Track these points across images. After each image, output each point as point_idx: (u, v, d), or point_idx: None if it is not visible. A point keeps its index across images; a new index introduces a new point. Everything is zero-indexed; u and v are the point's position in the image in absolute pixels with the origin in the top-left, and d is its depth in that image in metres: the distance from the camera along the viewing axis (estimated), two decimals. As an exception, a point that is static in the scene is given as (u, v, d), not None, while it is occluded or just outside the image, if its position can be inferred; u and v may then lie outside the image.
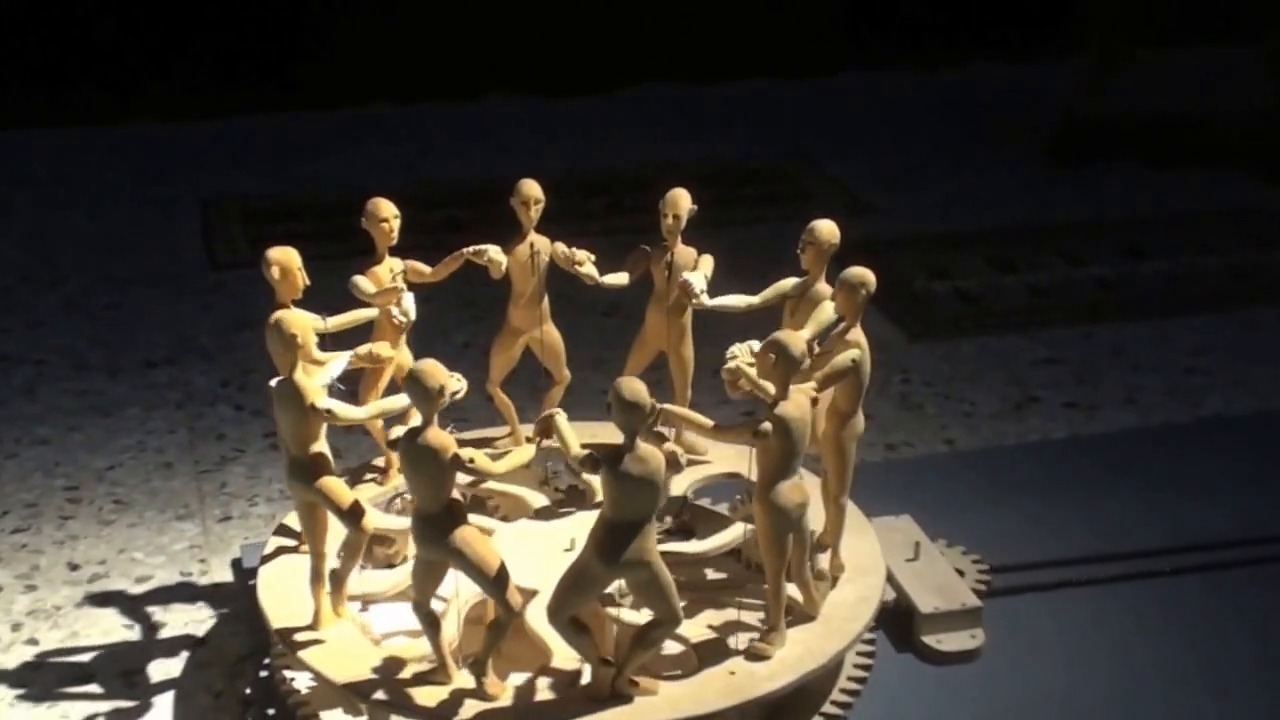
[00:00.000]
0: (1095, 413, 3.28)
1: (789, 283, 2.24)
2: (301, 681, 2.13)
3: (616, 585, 1.96)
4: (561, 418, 1.90)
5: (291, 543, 2.25)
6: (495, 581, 1.87)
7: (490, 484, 2.40)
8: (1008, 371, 3.48)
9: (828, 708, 2.13)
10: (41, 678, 2.36)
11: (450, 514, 1.85)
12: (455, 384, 1.84)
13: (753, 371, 1.93)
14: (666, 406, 1.96)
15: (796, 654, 2.01)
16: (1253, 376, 3.44)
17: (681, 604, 2.13)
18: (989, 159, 4.97)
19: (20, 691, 2.32)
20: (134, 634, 2.48)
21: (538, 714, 1.91)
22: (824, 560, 2.20)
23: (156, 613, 2.54)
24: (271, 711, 2.25)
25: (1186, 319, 3.76)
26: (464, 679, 1.94)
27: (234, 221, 4.44)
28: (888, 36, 5.97)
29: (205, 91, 5.42)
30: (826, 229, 2.20)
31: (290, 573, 2.16)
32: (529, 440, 2.34)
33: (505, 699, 1.91)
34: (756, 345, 1.94)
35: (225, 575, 2.65)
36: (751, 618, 2.11)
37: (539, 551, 2.20)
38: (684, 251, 2.33)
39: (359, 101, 5.39)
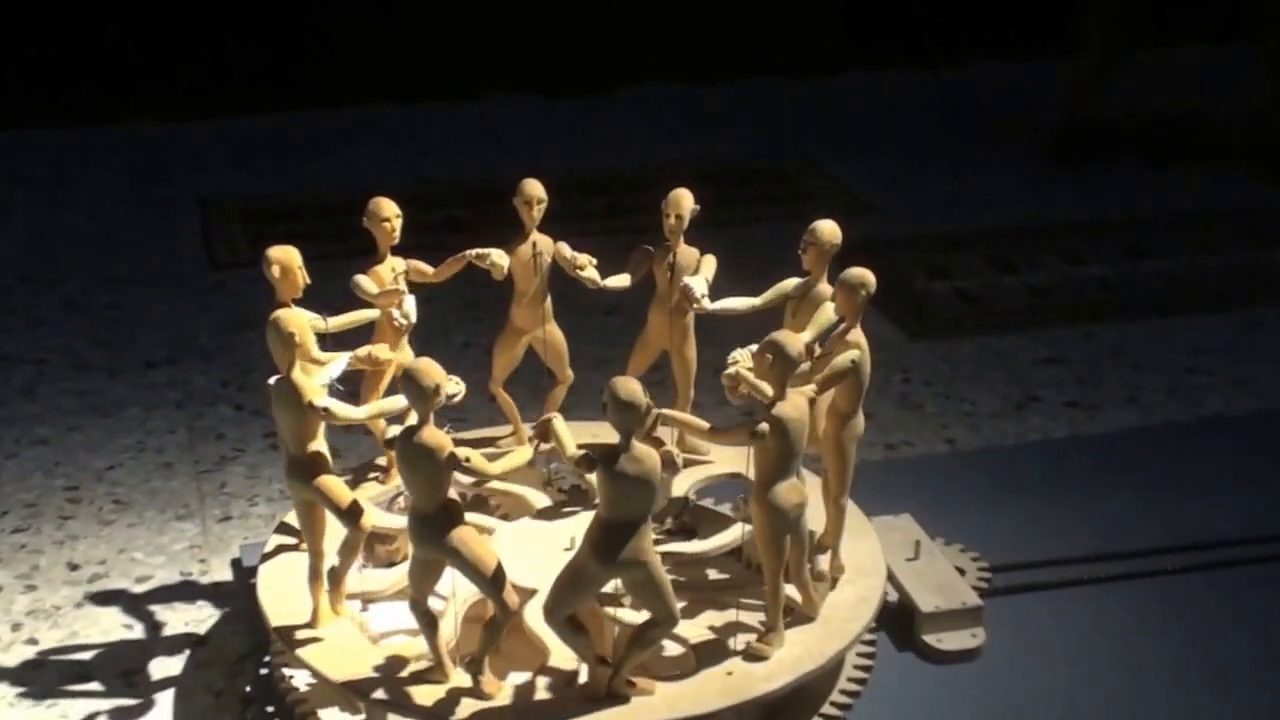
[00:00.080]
0: (1096, 412, 3.28)
1: (790, 283, 2.23)
2: (300, 680, 2.13)
3: (615, 585, 1.96)
4: (559, 421, 1.90)
5: (292, 541, 2.25)
6: (492, 581, 1.87)
7: (493, 484, 2.40)
8: (1008, 371, 3.48)
9: (828, 708, 2.13)
10: (41, 677, 2.36)
11: (447, 513, 1.85)
12: (453, 386, 1.85)
13: (752, 375, 1.93)
14: (663, 411, 1.97)
15: (795, 655, 2.01)
16: (1253, 376, 3.44)
17: (682, 604, 2.13)
18: (989, 159, 4.97)
19: (20, 691, 2.32)
20: (134, 634, 2.48)
21: (535, 713, 1.90)
22: (824, 561, 2.20)
23: (156, 612, 2.54)
24: (271, 709, 2.25)
25: (1187, 318, 3.76)
26: (461, 678, 1.94)
27: (234, 221, 4.44)
28: (888, 36, 5.97)
29: (205, 91, 5.42)
30: (828, 229, 2.19)
31: (290, 571, 2.16)
32: (530, 441, 2.35)
33: (502, 698, 1.91)
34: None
35: (225, 575, 2.65)
36: (751, 618, 2.11)
37: (539, 551, 2.20)
38: (686, 252, 2.32)
39: (359, 101, 5.39)
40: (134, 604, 2.57)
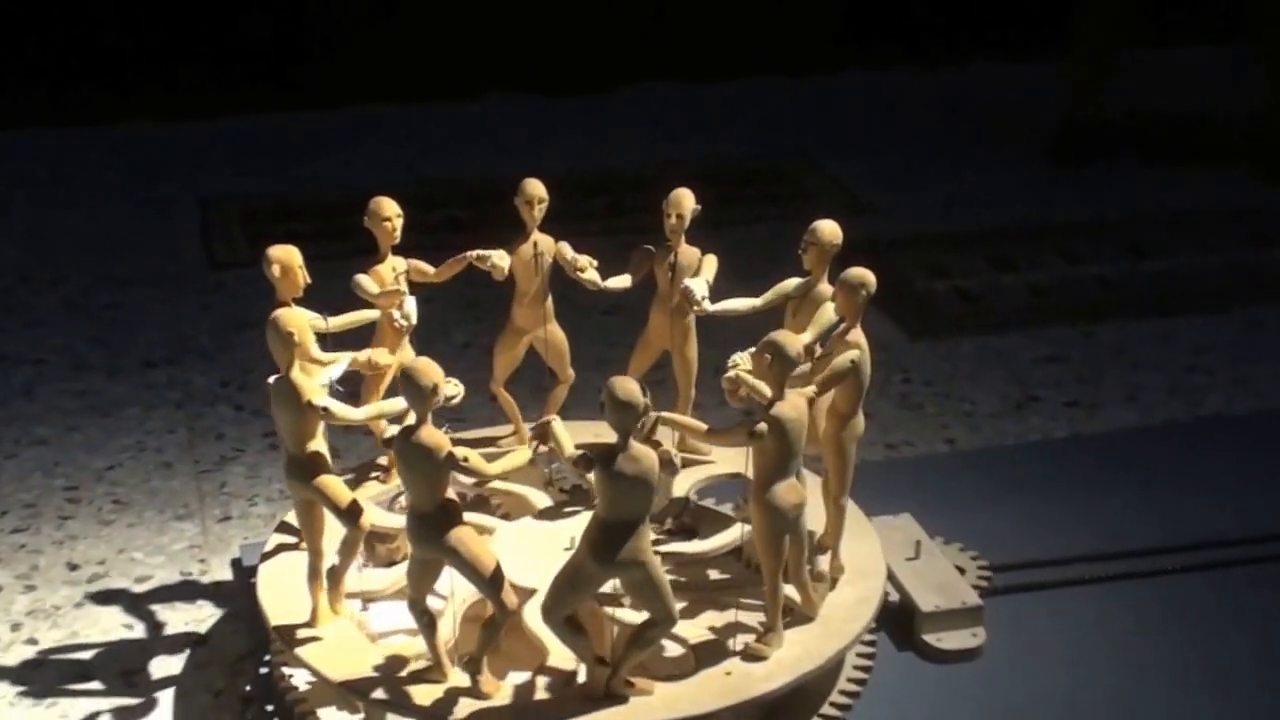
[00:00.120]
0: (1096, 411, 3.28)
1: (791, 283, 2.23)
2: (300, 679, 2.13)
3: (614, 585, 1.96)
4: (557, 422, 1.90)
5: (292, 540, 2.25)
6: (490, 581, 1.87)
7: (495, 483, 2.40)
8: (1008, 371, 3.48)
9: (828, 707, 2.13)
10: (41, 677, 2.36)
11: (445, 513, 1.85)
12: (451, 388, 1.85)
13: (752, 378, 1.93)
14: (662, 414, 1.98)
15: (794, 655, 2.01)
16: (1254, 375, 3.44)
17: (682, 605, 2.13)
18: (989, 159, 4.96)
19: (20, 691, 2.32)
20: (133, 633, 2.48)
21: (533, 713, 1.90)
22: (824, 561, 2.20)
23: (156, 612, 2.54)
24: (270, 708, 2.25)
25: (1187, 318, 3.76)
26: (459, 677, 1.93)
27: (233, 221, 4.43)
28: (888, 36, 5.97)
29: (205, 91, 5.42)
30: (829, 230, 2.19)
31: (290, 570, 2.16)
32: (529, 442, 2.34)
33: (500, 698, 1.91)
34: None
35: (225, 575, 2.65)
36: (751, 619, 2.11)
37: (539, 551, 2.20)
38: (687, 251, 2.32)
39: (359, 101, 5.39)
40: (134, 604, 2.56)
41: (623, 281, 2.33)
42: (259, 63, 5.54)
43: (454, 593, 2.04)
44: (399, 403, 1.92)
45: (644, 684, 1.92)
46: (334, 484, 2.02)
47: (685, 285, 2.26)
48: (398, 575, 2.21)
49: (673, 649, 2.07)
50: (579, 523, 2.26)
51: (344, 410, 1.97)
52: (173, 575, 2.66)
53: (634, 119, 5.43)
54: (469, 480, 2.32)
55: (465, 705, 1.89)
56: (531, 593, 2.06)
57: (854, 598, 2.15)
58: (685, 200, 2.29)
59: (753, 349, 1.95)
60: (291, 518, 2.25)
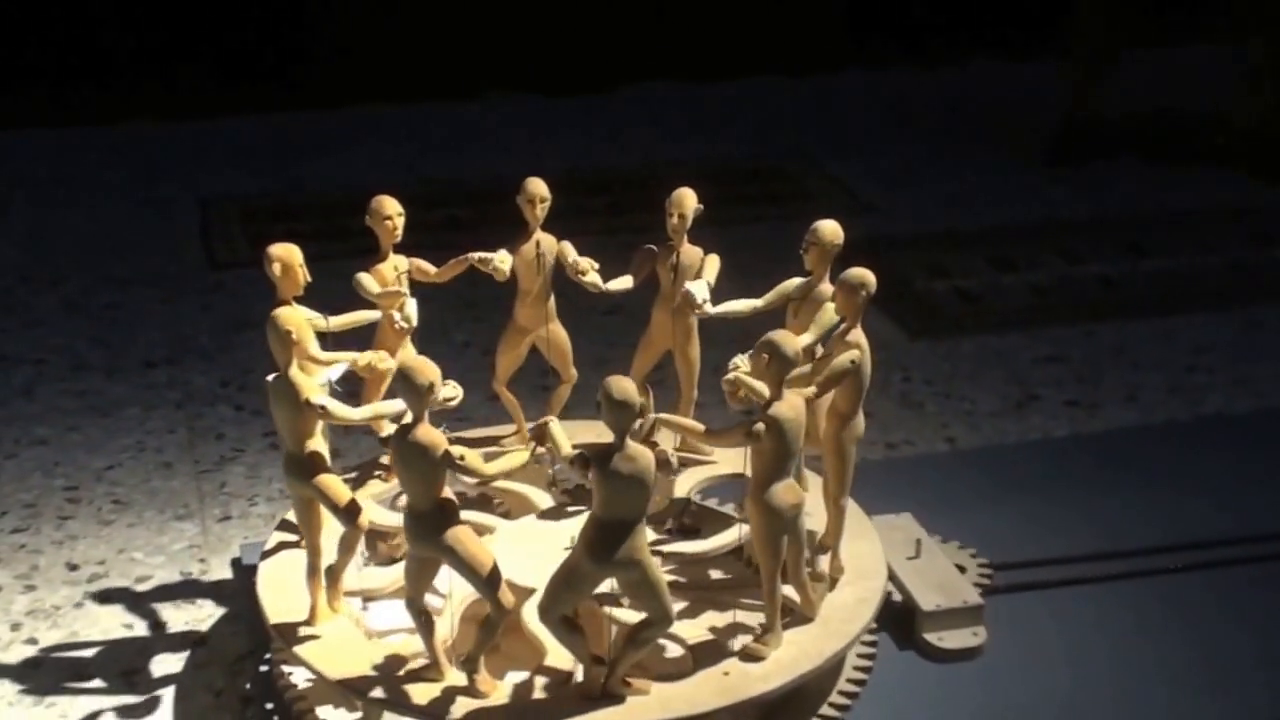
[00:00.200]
0: (1096, 411, 3.28)
1: (792, 283, 2.22)
2: (299, 677, 2.13)
3: (613, 585, 1.96)
4: (555, 424, 1.90)
5: (293, 538, 2.25)
6: (487, 580, 1.87)
7: (499, 482, 2.39)
8: (1008, 370, 3.48)
9: (829, 706, 2.13)
10: (41, 677, 2.36)
11: (442, 511, 1.85)
12: (450, 390, 1.85)
13: (751, 379, 1.93)
14: (660, 416, 1.98)
15: (792, 655, 2.01)
16: (1254, 375, 3.44)
17: (683, 605, 2.13)
18: (989, 158, 4.96)
19: (20, 691, 2.32)
20: (133, 633, 2.48)
21: (530, 712, 1.90)
22: (824, 562, 2.19)
23: (156, 612, 2.54)
24: (270, 706, 2.24)
25: (1188, 317, 3.76)
26: (457, 677, 1.93)
27: (233, 221, 4.43)
28: (888, 36, 5.97)
29: (205, 91, 5.42)
30: (830, 229, 2.18)
31: (290, 568, 2.16)
32: (528, 444, 2.34)
33: (498, 697, 1.91)
34: None
35: (225, 574, 2.65)
36: (751, 619, 2.10)
37: (539, 550, 2.20)
38: (689, 251, 2.32)
39: (359, 101, 5.39)
40: (134, 604, 2.56)
41: (624, 283, 2.33)
42: (259, 63, 5.54)
43: (452, 592, 2.04)
44: (398, 404, 1.92)
45: (641, 684, 1.92)
46: (332, 482, 2.02)
47: (686, 289, 2.25)
48: (397, 574, 2.20)
49: (672, 649, 2.07)
50: (580, 523, 2.26)
51: (342, 410, 1.97)
52: (173, 575, 2.66)
53: (634, 119, 5.43)
54: (472, 480, 2.32)
55: (462, 704, 1.89)
56: (530, 592, 2.06)
57: (854, 598, 2.14)
58: (688, 200, 2.29)
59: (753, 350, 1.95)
60: (292, 516, 2.25)
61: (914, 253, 4.13)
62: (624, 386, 1.76)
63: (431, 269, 2.31)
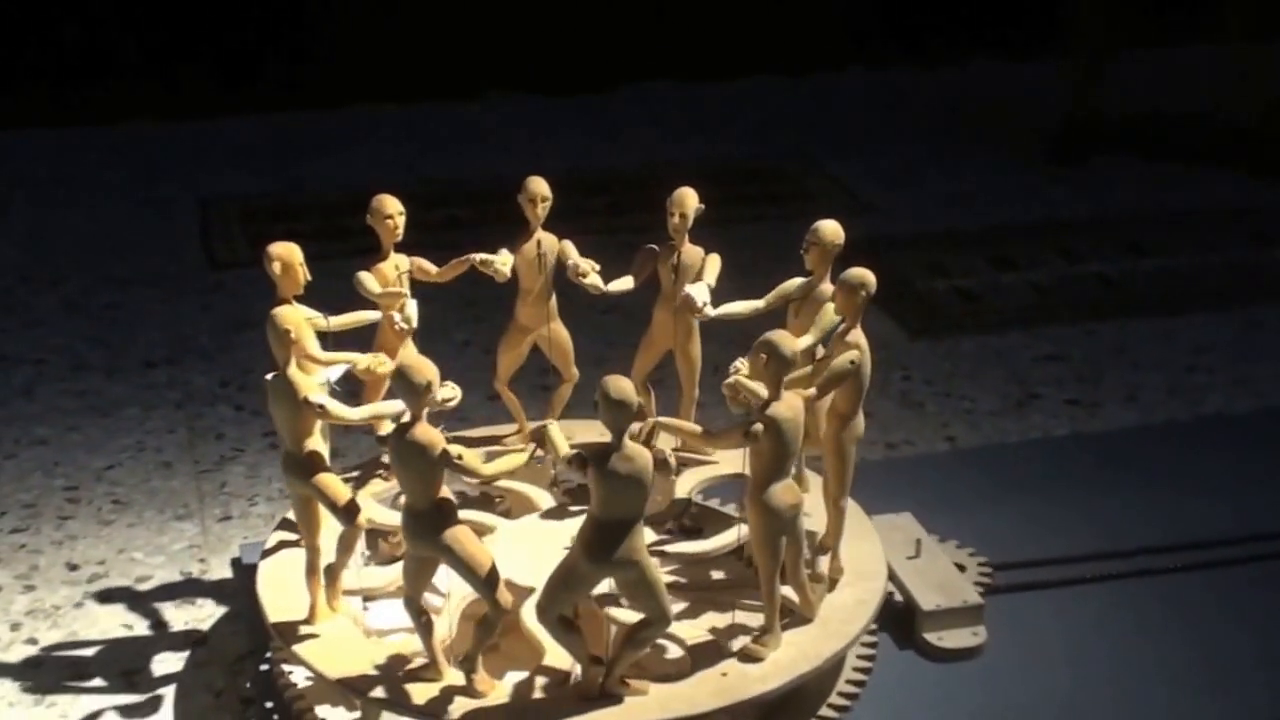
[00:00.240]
0: (1097, 410, 3.28)
1: (793, 284, 2.22)
2: (299, 676, 2.13)
3: (611, 585, 1.96)
4: (554, 427, 1.90)
5: (294, 537, 2.25)
6: (485, 580, 1.87)
7: (502, 482, 2.39)
8: (1009, 369, 3.48)
9: (828, 707, 2.13)
10: (41, 677, 2.36)
11: (440, 511, 1.85)
12: (448, 391, 1.85)
13: (749, 381, 1.93)
14: (659, 419, 1.97)
15: (790, 656, 2.01)
16: (1254, 375, 3.44)
17: (684, 605, 2.13)
18: (989, 158, 4.96)
19: (20, 691, 2.32)
20: (133, 633, 2.48)
21: (528, 712, 1.90)
22: (824, 563, 2.19)
23: (156, 612, 2.54)
24: (270, 705, 2.24)
25: (1188, 317, 3.76)
26: (455, 676, 1.93)
27: (233, 221, 4.43)
28: (888, 36, 5.97)
29: (205, 91, 5.42)
30: (830, 229, 2.18)
31: (290, 567, 2.16)
32: (526, 445, 2.34)
33: (496, 697, 1.91)
34: None
35: (225, 574, 2.64)
36: (752, 619, 2.10)
37: (540, 550, 2.19)
38: (691, 250, 2.31)
39: (359, 101, 5.39)
40: (133, 604, 2.56)
41: (625, 284, 2.32)
42: (259, 63, 5.54)
43: (452, 591, 2.04)
44: (397, 404, 1.92)
45: (639, 684, 1.92)
46: (331, 481, 2.02)
47: (686, 293, 2.24)
48: (397, 573, 2.20)
49: (672, 650, 2.06)
50: (581, 523, 2.27)
51: (340, 409, 1.97)
52: (173, 575, 2.65)
53: (634, 119, 5.43)
54: (475, 480, 2.32)
55: (460, 704, 1.89)
56: (530, 592, 2.06)
57: (853, 599, 2.14)
58: (689, 199, 2.29)
59: None
60: (292, 515, 2.25)
61: (914, 252, 4.13)
62: (621, 386, 1.76)
63: (433, 268, 2.31)
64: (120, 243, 4.27)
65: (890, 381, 3.37)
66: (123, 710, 2.27)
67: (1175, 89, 5.20)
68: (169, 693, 2.31)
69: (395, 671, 1.95)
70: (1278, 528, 2.67)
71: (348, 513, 2.02)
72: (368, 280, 2.22)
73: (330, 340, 2.11)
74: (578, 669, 1.92)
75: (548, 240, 2.33)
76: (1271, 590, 2.52)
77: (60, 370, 3.49)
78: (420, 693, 1.91)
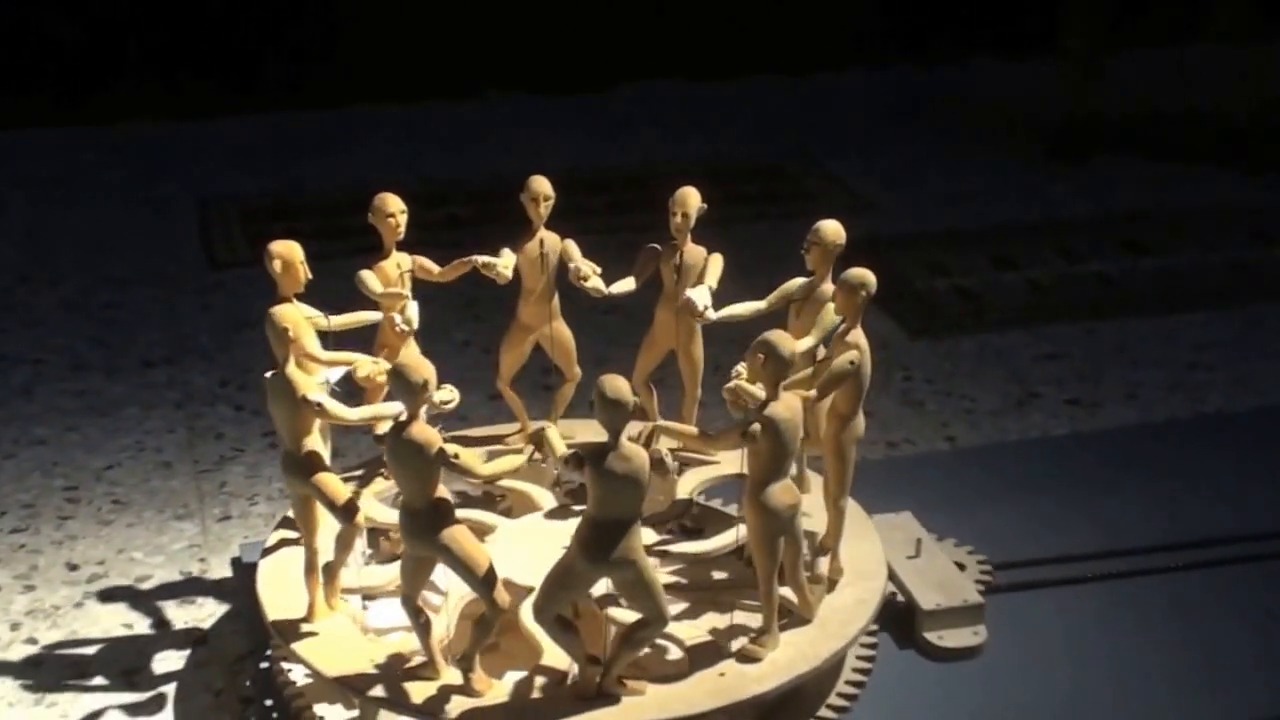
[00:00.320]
0: (1097, 409, 3.28)
1: (795, 284, 2.21)
2: (298, 674, 2.13)
3: (608, 584, 1.96)
4: (552, 430, 1.90)
5: (294, 535, 2.24)
6: (482, 579, 1.86)
7: (504, 481, 2.39)
8: (1009, 368, 3.48)
9: (828, 707, 2.13)
10: (41, 677, 2.36)
11: (437, 510, 1.85)
12: (446, 394, 1.85)
13: (748, 383, 1.92)
14: (659, 423, 1.98)
15: (788, 656, 2.00)
16: (1255, 373, 3.44)
17: (684, 605, 2.13)
18: (989, 157, 4.96)
19: (20, 691, 2.32)
20: (133, 633, 2.48)
21: (524, 712, 1.90)
22: (824, 564, 2.19)
23: (156, 612, 2.54)
24: (270, 703, 2.24)
25: (1188, 316, 3.76)
26: (453, 675, 1.93)
27: (233, 221, 4.43)
28: (888, 36, 5.97)
29: (205, 91, 5.42)
30: (831, 229, 2.17)
31: (290, 566, 2.16)
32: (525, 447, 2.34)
33: (493, 696, 1.91)
34: None
35: (225, 574, 2.64)
36: (752, 620, 2.10)
37: (539, 549, 2.19)
38: (693, 250, 2.31)
39: (359, 101, 5.39)
40: (133, 604, 2.56)
41: (627, 285, 2.32)
42: (259, 63, 5.54)
43: (450, 590, 2.04)
44: (396, 406, 1.92)
45: (636, 684, 1.91)
46: (330, 480, 2.02)
47: (687, 296, 2.23)
48: (397, 571, 2.20)
49: (676, 654, 2.06)
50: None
51: (338, 409, 1.97)
52: (172, 575, 2.65)
53: (634, 118, 5.43)
54: (474, 480, 2.32)
55: (457, 703, 1.89)
56: (530, 591, 2.06)
57: (852, 600, 2.14)
58: (691, 199, 2.28)
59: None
60: (292, 514, 2.25)
61: (914, 252, 4.13)
62: (617, 385, 1.75)
63: (435, 268, 2.30)
64: (120, 242, 4.27)
65: (890, 381, 3.37)
66: (123, 710, 2.27)
67: (1175, 89, 5.20)
68: (169, 692, 2.31)
69: (393, 670, 1.95)
70: (1278, 527, 2.67)
71: (346, 511, 2.02)
72: (369, 279, 2.22)
73: (331, 340, 2.11)
74: (575, 669, 1.92)
75: (550, 240, 2.33)
76: (1272, 590, 2.51)
77: (59, 370, 3.49)
78: (418, 691, 1.91)
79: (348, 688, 1.95)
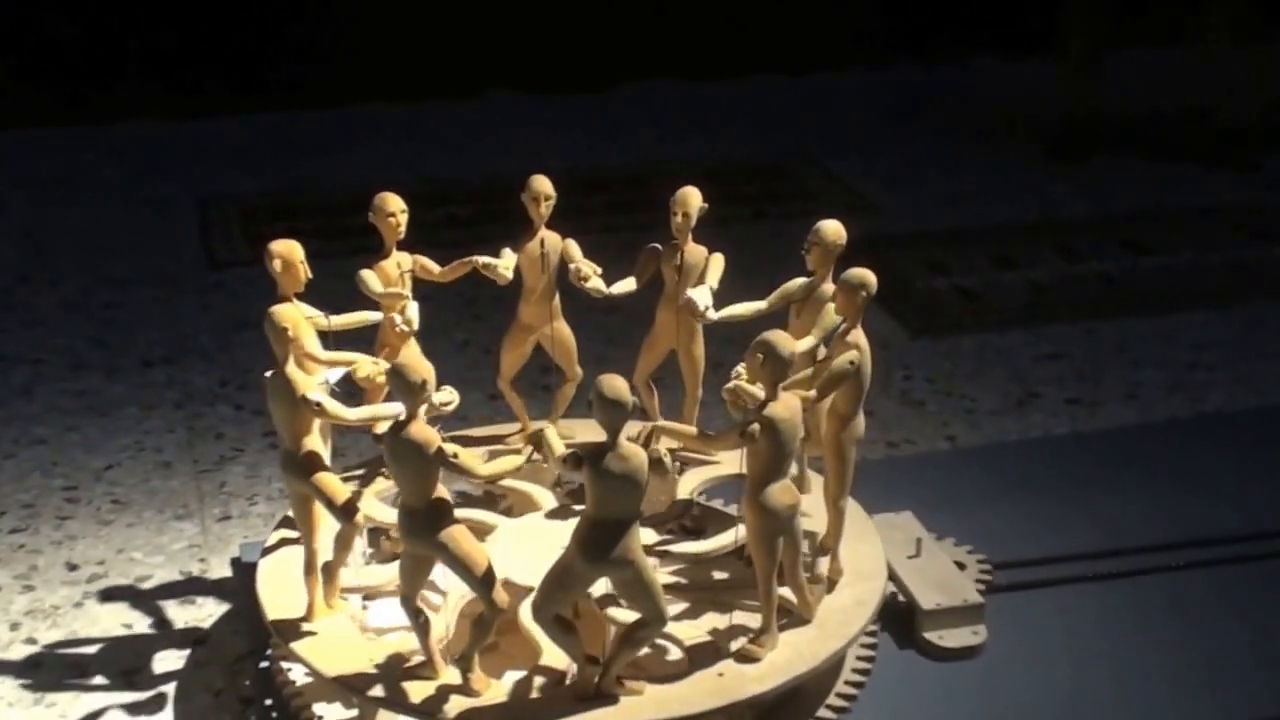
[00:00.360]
0: (1097, 409, 3.28)
1: (795, 284, 2.21)
2: (297, 674, 2.13)
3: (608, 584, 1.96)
4: (551, 431, 1.90)
5: (295, 535, 2.24)
6: (480, 579, 1.86)
7: (505, 480, 2.39)
8: (1009, 368, 3.48)
9: (828, 706, 2.12)
10: (41, 677, 2.36)
11: (436, 510, 1.85)
12: (445, 395, 1.85)
13: (747, 384, 1.92)
14: (658, 424, 1.98)
15: (787, 656, 2.00)
16: (1255, 372, 3.44)
17: (684, 606, 2.13)
18: (989, 156, 4.96)
19: (19, 691, 2.32)
20: (133, 633, 2.48)
21: (523, 711, 1.90)
22: (824, 564, 2.19)
23: (156, 612, 2.54)
24: (269, 702, 2.24)
25: (1189, 315, 3.76)
26: (452, 675, 1.93)
27: (233, 221, 4.43)
28: (888, 36, 5.97)
29: (205, 91, 5.42)
30: (832, 229, 2.17)
31: (290, 566, 2.16)
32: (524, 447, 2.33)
33: (491, 696, 1.91)
34: None
35: (225, 574, 2.64)
36: (752, 620, 2.10)
37: (539, 549, 2.19)
38: (694, 250, 2.31)
39: (359, 101, 5.39)
40: (133, 604, 2.56)
41: (628, 285, 2.32)
42: (259, 62, 5.54)
43: (450, 590, 2.04)
44: (396, 407, 1.92)
45: (635, 684, 1.91)
46: (329, 479, 2.02)
47: (687, 297, 2.23)
48: (397, 570, 2.20)
49: (676, 654, 2.06)
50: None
51: (337, 409, 1.97)
52: (172, 575, 2.65)
53: (634, 118, 5.43)
54: (473, 480, 2.32)
55: (456, 703, 1.89)
56: (529, 591, 2.06)
57: (852, 600, 2.14)
58: (692, 198, 2.28)
59: None
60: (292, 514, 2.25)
61: (914, 251, 4.13)
62: (616, 385, 1.75)
63: (435, 267, 2.30)
64: (119, 242, 4.27)
65: (891, 380, 3.37)
66: (123, 710, 2.27)
67: (1175, 88, 5.20)
68: (169, 693, 2.31)
69: (393, 670, 1.95)
70: (1278, 527, 2.67)
71: (345, 511, 2.02)
72: (370, 278, 2.22)
73: (331, 340, 2.11)
74: (574, 669, 1.92)
75: (551, 239, 2.33)
76: (1272, 590, 2.51)
77: (59, 370, 3.49)
78: (416, 691, 1.91)
79: (347, 687, 1.95)
